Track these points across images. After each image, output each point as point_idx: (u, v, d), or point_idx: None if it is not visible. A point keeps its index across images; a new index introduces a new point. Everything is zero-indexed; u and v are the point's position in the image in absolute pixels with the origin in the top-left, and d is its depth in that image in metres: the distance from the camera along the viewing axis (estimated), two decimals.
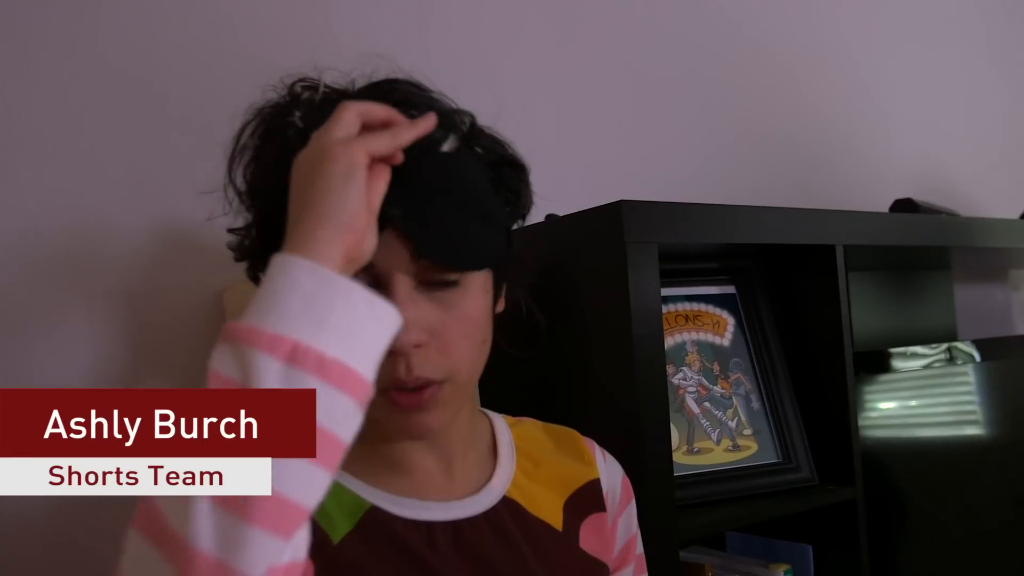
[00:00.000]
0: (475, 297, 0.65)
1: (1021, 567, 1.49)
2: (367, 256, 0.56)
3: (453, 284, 0.64)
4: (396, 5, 1.31)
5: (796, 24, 1.85)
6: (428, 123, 0.60)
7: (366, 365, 0.50)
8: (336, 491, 0.65)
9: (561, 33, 1.48)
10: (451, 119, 0.66)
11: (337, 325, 0.49)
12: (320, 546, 0.61)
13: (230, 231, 0.70)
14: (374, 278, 0.61)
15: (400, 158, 0.59)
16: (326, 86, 0.68)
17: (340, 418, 0.49)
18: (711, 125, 1.67)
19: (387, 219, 0.58)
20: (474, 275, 0.65)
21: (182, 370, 1.08)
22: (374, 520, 0.65)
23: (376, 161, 0.57)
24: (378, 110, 0.59)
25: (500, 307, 0.71)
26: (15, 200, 1.00)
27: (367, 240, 0.55)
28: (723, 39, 1.72)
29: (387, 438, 0.69)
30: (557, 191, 1.34)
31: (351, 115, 0.57)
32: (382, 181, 0.57)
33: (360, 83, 0.69)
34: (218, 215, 0.70)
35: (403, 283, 0.61)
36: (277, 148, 0.64)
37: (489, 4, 1.41)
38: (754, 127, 1.75)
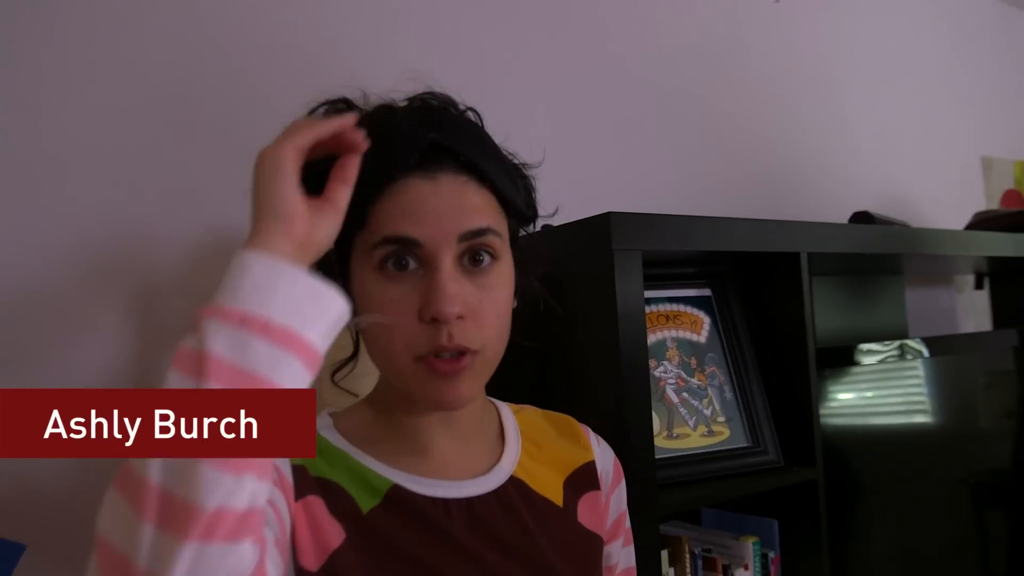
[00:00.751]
0: (505, 283, 0.68)
1: (963, 540, 1.51)
2: (325, 242, 0.58)
3: (490, 258, 0.66)
4: (406, 33, 1.32)
5: (770, 56, 1.87)
6: (347, 119, 0.60)
7: (312, 334, 0.51)
8: (361, 471, 0.67)
9: (556, 61, 1.50)
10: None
11: (283, 300, 0.50)
12: (351, 515, 0.64)
13: None
14: (421, 258, 0.64)
15: (355, 147, 0.60)
16: (344, 101, 0.70)
17: (286, 375, 0.49)
18: (691, 144, 1.69)
19: (425, 140, 0.63)
20: (501, 264, 0.68)
21: None
22: (397, 496, 0.67)
23: (340, 160, 0.60)
24: (320, 123, 0.60)
25: (514, 303, 0.72)
26: (65, 210, 1.02)
27: (320, 228, 0.57)
28: (703, 68, 1.74)
29: (410, 422, 0.70)
30: (552, 203, 1.38)
31: (289, 130, 0.58)
32: (339, 173, 0.60)
33: (396, 98, 0.71)
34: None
35: (447, 263, 0.63)
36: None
37: (490, 35, 1.42)
38: (729, 146, 1.76)
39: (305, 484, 0.64)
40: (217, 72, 1.14)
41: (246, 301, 0.49)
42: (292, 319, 0.50)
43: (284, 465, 0.62)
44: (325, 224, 0.58)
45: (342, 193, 0.60)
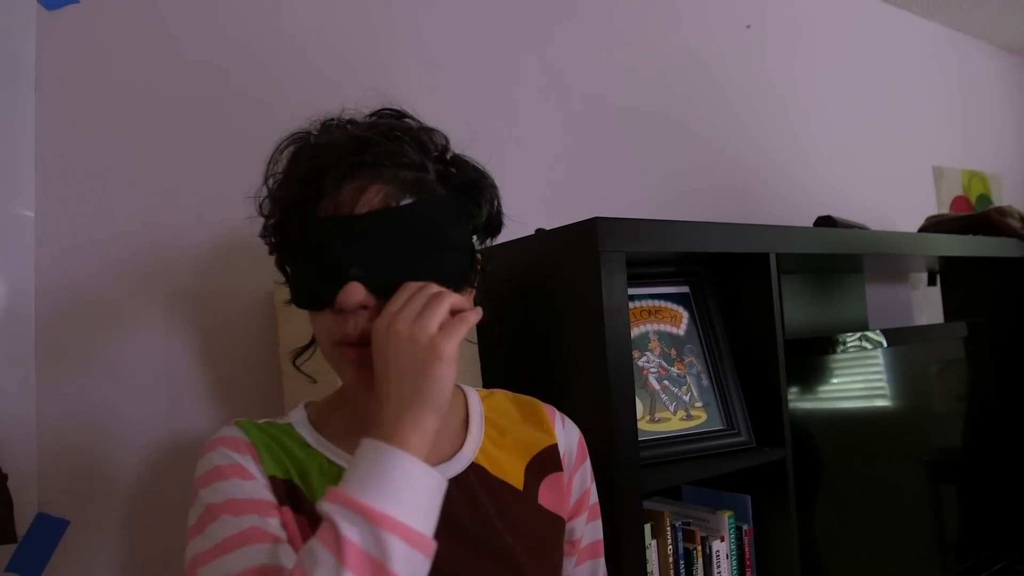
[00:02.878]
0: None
1: (919, 512, 1.49)
2: None
3: None
4: (416, 61, 1.32)
5: (741, 75, 1.86)
6: (478, 313, 0.61)
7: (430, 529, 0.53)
8: (319, 460, 0.64)
9: (548, 81, 1.49)
10: (426, 141, 0.64)
11: (430, 511, 0.53)
12: (301, 502, 0.61)
13: (261, 234, 0.68)
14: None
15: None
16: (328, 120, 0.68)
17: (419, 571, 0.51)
18: (670, 156, 1.68)
19: (349, 276, 0.59)
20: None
21: (242, 356, 1.09)
22: None
23: None
24: (459, 300, 0.59)
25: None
26: (106, 216, 1.01)
27: None
28: (681, 87, 1.73)
29: (367, 415, 0.64)
30: (545, 210, 1.37)
31: (445, 309, 0.57)
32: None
33: (354, 114, 0.68)
34: (255, 216, 0.69)
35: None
36: (293, 162, 0.65)
37: (489, 60, 1.41)
38: (704, 158, 1.75)
39: (286, 494, 0.62)
40: (239, 94, 1.13)
41: (412, 519, 0.51)
42: (429, 527, 0.53)
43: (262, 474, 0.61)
44: None
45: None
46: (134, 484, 1.00)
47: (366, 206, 0.60)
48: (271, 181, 0.66)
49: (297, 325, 1.00)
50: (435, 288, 0.60)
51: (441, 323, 0.57)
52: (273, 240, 0.67)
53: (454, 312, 0.59)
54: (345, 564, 0.47)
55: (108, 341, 1.00)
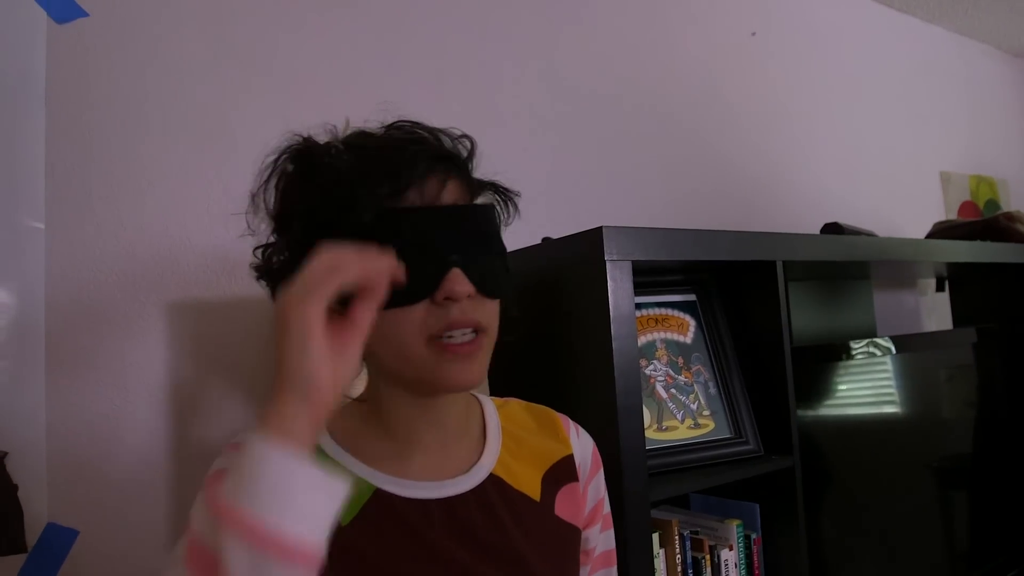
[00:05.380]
0: None
1: (929, 519, 1.48)
2: (345, 390, 0.52)
3: None
4: (419, 71, 1.32)
5: (748, 82, 1.86)
6: (375, 259, 0.52)
7: (321, 537, 0.47)
8: (349, 478, 0.61)
9: (553, 90, 1.49)
10: (462, 147, 0.65)
11: (299, 509, 0.46)
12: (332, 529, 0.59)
13: (262, 250, 0.67)
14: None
15: (381, 288, 0.52)
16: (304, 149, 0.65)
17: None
18: (677, 165, 1.68)
19: (450, 263, 0.58)
20: None
21: (249, 366, 1.09)
22: (378, 501, 0.62)
23: (362, 298, 0.51)
24: (345, 264, 0.50)
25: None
26: (115, 228, 1.02)
27: (341, 377, 0.50)
28: (689, 95, 1.73)
29: (398, 422, 0.65)
30: (551, 219, 1.37)
31: (313, 279, 0.49)
32: (367, 293, 0.51)
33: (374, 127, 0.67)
34: (245, 234, 0.69)
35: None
36: (296, 178, 0.63)
37: (493, 69, 1.42)
38: (711, 166, 1.75)
39: None
40: (249, 105, 1.14)
41: (265, 509, 0.45)
42: (307, 531, 0.46)
43: None
44: (344, 369, 0.51)
45: (367, 314, 0.52)
46: (144, 493, 1.00)
47: (450, 198, 0.61)
48: (272, 198, 0.65)
49: None
50: (342, 254, 0.51)
51: (311, 283, 0.49)
52: (288, 255, 0.63)
53: (362, 289, 0.52)
54: (187, 562, 0.48)
55: (117, 351, 1.00)
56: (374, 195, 0.59)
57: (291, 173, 0.64)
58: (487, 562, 0.64)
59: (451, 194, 0.62)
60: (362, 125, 0.68)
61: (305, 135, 0.65)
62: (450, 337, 0.59)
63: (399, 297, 0.57)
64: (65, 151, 0.99)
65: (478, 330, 0.61)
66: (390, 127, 0.66)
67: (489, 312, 0.62)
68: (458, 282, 0.58)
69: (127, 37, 1.04)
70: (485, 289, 0.61)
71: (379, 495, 0.63)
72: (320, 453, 0.64)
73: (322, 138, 0.66)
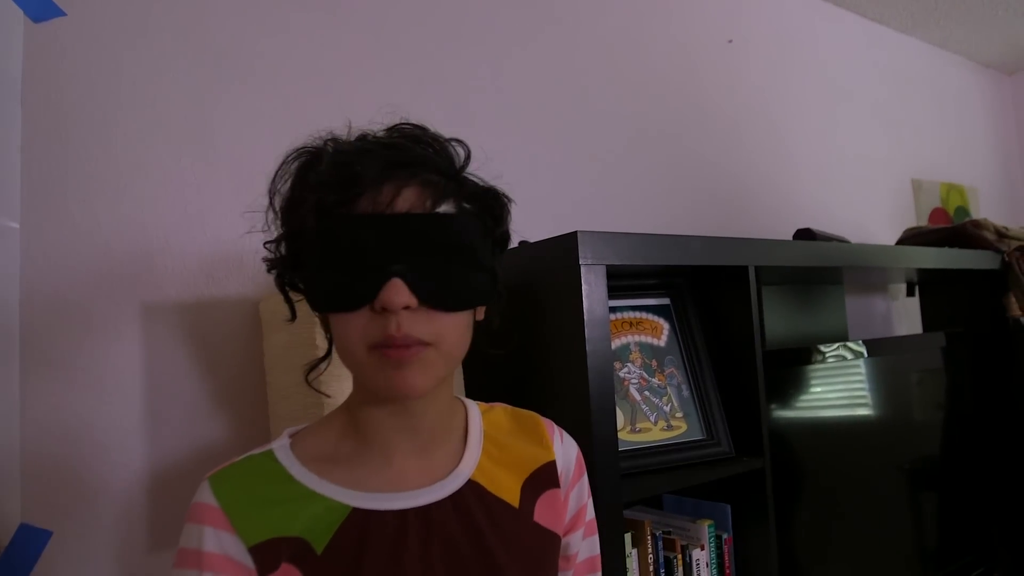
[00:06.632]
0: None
1: (898, 519, 1.51)
2: None
3: None
4: (399, 74, 1.33)
5: (722, 90, 1.89)
6: None
7: None
8: (317, 501, 0.61)
9: (531, 93, 1.51)
10: (453, 152, 0.64)
11: None
12: (307, 559, 0.58)
13: (266, 244, 0.66)
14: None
15: None
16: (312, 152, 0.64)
17: None
18: (651, 170, 1.69)
19: (390, 273, 0.57)
20: None
21: (226, 367, 1.10)
22: (353, 520, 0.60)
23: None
24: None
25: (480, 316, 0.68)
26: (91, 228, 1.01)
27: None
28: (663, 101, 1.75)
29: (375, 430, 0.65)
30: (528, 223, 1.38)
31: None
32: None
33: (378, 129, 0.66)
34: (255, 230, 0.68)
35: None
36: (303, 179, 0.63)
37: (471, 73, 1.43)
38: (685, 172, 1.77)
39: (273, 555, 0.59)
40: (227, 105, 1.14)
41: None
42: None
43: (238, 551, 0.58)
44: None
45: None
46: (118, 495, 1.00)
47: (404, 206, 0.59)
48: (278, 196, 0.64)
49: (282, 337, 1.01)
50: None
51: None
52: (282, 252, 0.64)
53: None
54: None
55: (93, 351, 1.00)
56: (323, 201, 0.59)
57: (278, 173, 0.65)
58: (461, 570, 0.63)
59: (408, 202, 0.60)
60: (362, 126, 0.68)
61: (324, 137, 0.65)
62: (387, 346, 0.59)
63: (341, 302, 0.59)
64: (41, 151, 0.99)
65: (423, 343, 0.59)
66: (390, 130, 0.66)
67: (440, 325, 0.60)
68: (396, 292, 0.57)
69: (104, 37, 1.04)
70: (433, 301, 0.59)
71: (354, 514, 0.61)
72: (289, 482, 0.62)
73: (332, 140, 0.65)
